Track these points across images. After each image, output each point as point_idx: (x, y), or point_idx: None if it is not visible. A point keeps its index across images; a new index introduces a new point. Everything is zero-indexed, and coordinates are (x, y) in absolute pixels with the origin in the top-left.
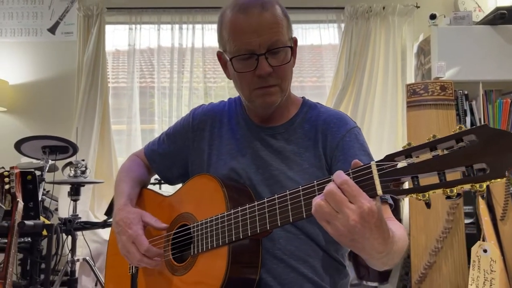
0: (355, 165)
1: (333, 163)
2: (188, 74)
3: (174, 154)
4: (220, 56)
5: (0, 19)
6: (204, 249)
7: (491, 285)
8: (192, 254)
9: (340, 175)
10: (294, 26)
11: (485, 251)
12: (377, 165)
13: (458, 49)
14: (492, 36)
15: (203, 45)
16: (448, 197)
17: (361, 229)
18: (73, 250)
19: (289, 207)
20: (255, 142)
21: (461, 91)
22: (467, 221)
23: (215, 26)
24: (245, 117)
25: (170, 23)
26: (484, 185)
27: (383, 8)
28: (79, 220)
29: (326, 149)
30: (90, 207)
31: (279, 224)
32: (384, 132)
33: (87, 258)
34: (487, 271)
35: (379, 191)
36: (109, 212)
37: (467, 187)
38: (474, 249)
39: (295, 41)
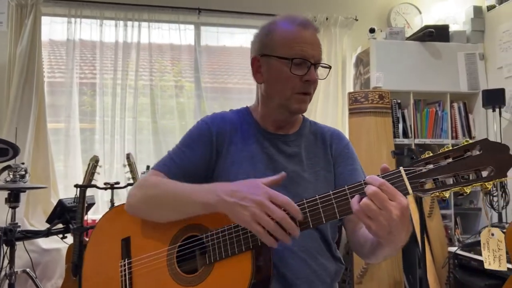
0: (384, 170)
1: (335, 168)
2: (133, 73)
3: (197, 162)
4: (257, 59)
5: None
6: (224, 256)
7: (500, 260)
8: (207, 262)
9: (376, 178)
10: (239, 30)
11: (492, 234)
12: (405, 170)
13: (393, 61)
14: (421, 51)
15: (149, 43)
16: (461, 194)
17: (399, 223)
18: (11, 261)
19: (321, 210)
20: (270, 148)
21: (395, 100)
22: None
23: (162, 25)
24: (257, 125)
25: (114, 19)
26: (491, 183)
27: (326, 18)
28: (19, 229)
29: (332, 155)
30: (25, 214)
31: (311, 226)
32: None
33: (28, 269)
34: (495, 250)
35: (410, 190)
36: (51, 219)
37: (477, 185)
38: (484, 234)
39: None
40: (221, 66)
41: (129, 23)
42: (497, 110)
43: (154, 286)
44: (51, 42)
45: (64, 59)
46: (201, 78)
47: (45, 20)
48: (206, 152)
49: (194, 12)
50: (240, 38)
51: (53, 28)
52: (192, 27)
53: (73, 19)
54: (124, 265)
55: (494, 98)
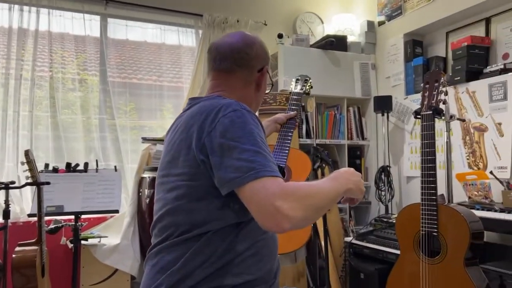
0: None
1: None
2: (30, 62)
3: None
4: (266, 71)
5: None
6: None
7: None
8: None
9: None
10: (152, 26)
11: None
12: None
13: (299, 66)
14: (322, 58)
15: (49, 31)
16: None
17: None
18: None
19: None
20: None
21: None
22: None
23: (65, 13)
24: None
25: (7, 2)
26: None
27: (237, 21)
28: None
29: None
30: None
31: None
32: None
33: None
34: None
35: None
36: None
37: None
38: None
39: None
40: (130, 60)
41: (26, 7)
42: (385, 114)
43: None
44: None
45: None
46: (107, 72)
47: None
48: None
49: (101, 3)
50: (150, 33)
51: None
52: (98, 18)
53: None
54: None
55: (383, 104)
